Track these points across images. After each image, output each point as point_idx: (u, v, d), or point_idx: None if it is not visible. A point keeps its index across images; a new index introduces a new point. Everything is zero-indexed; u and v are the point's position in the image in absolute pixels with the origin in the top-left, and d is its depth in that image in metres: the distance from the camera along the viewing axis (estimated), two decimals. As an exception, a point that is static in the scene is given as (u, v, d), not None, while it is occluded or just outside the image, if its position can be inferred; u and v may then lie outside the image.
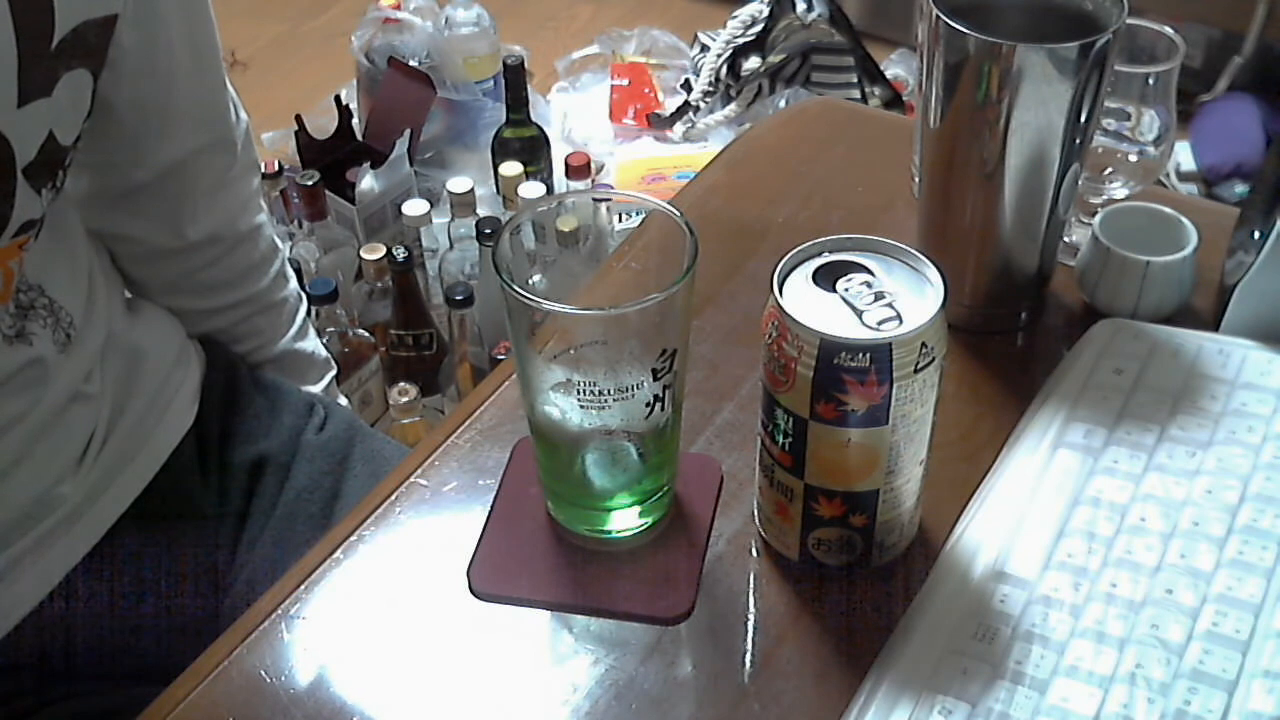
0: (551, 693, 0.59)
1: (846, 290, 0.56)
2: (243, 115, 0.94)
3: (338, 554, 0.66)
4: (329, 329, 1.55)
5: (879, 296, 0.56)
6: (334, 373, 1.06)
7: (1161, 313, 0.75)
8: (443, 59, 2.05)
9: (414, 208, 1.75)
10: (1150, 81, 0.75)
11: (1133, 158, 0.78)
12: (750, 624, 0.62)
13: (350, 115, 2.01)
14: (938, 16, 0.66)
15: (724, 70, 2.13)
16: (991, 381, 0.74)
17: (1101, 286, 0.75)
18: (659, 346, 0.57)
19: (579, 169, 1.83)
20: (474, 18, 2.12)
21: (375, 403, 1.63)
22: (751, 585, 0.64)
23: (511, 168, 1.78)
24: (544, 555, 0.65)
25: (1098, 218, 0.76)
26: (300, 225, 1.76)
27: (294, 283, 1.03)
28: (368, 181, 1.82)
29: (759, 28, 2.10)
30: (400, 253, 1.59)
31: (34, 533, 0.79)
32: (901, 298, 0.56)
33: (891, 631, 0.60)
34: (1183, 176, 2.05)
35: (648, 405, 0.58)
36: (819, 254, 0.58)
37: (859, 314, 0.55)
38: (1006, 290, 0.76)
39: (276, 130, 2.14)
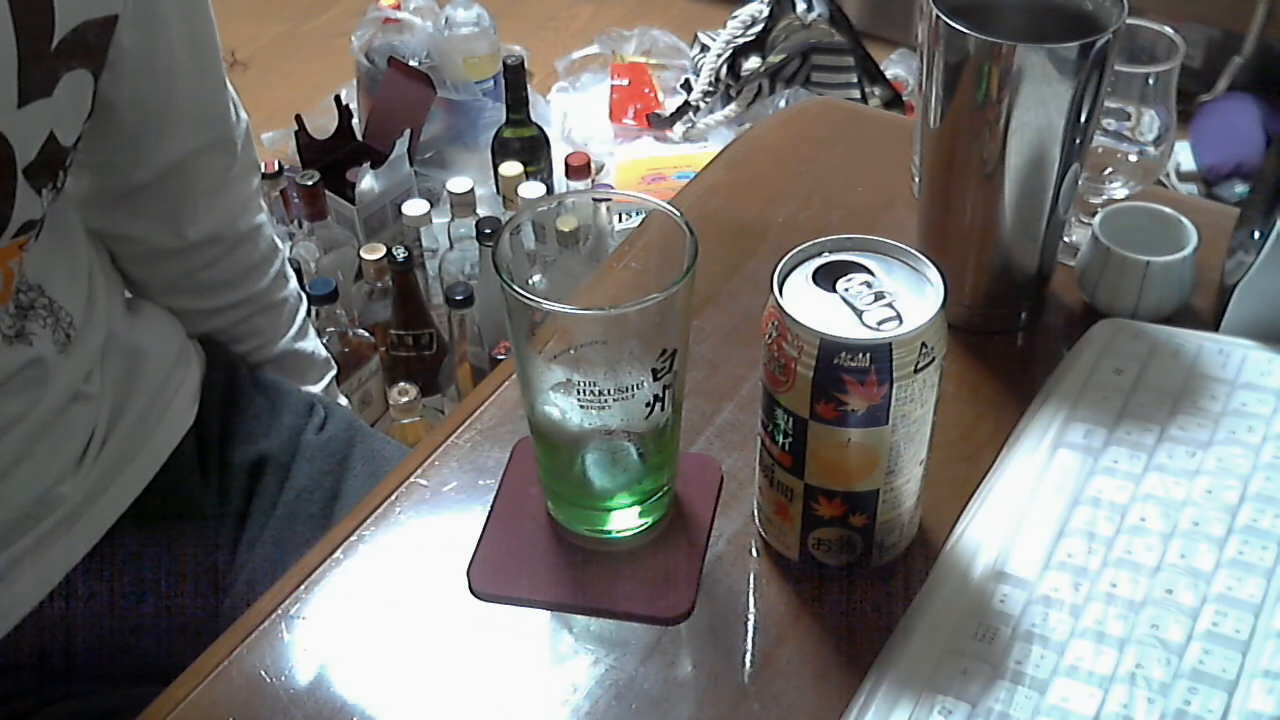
0: (551, 693, 0.59)
1: (846, 290, 0.56)
2: (243, 115, 0.94)
3: (338, 554, 0.66)
4: (329, 329, 1.55)
5: (879, 296, 0.56)
6: (334, 373, 1.06)
7: (1161, 313, 0.75)
8: (443, 59, 2.05)
9: (414, 208, 1.75)
10: (1150, 81, 0.75)
11: (1133, 158, 0.78)
12: (750, 624, 0.62)
13: (350, 115, 2.01)
14: (938, 16, 0.66)
15: (724, 70, 2.13)
16: (991, 381, 0.74)
17: (1101, 286, 0.75)
18: (659, 346, 0.57)
19: (579, 169, 1.83)
20: (474, 18, 2.12)
21: (375, 403, 1.63)
22: (751, 585, 0.64)
23: (511, 168, 1.78)
24: (544, 555, 0.65)
25: (1098, 218, 0.76)
26: (300, 225, 1.76)
27: (294, 283, 1.03)
28: (368, 181, 1.82)
29: (759, 28, 2.10)
30: (400, 253, 1.59)
31: (34, 533, 0.79)
32: (901, 298, 0.56)
33: (891, 631, 0.60)
34: (1183, 176, 2.05)
35: (648, 405, 0.58)
36: (819, 254, 0.58)
37: (859, 314, 0.55)
38: (1006, 290, 0.76)
39: (276, 130, 2.14)
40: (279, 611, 0.63)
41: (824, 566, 0.63)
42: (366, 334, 1.61)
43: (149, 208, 0.90)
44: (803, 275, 0.58)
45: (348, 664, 0.61)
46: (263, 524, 0.89)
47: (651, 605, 0.62)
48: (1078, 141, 0.69)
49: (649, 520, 0.64)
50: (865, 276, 0.57)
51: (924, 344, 0.55)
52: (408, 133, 1.88)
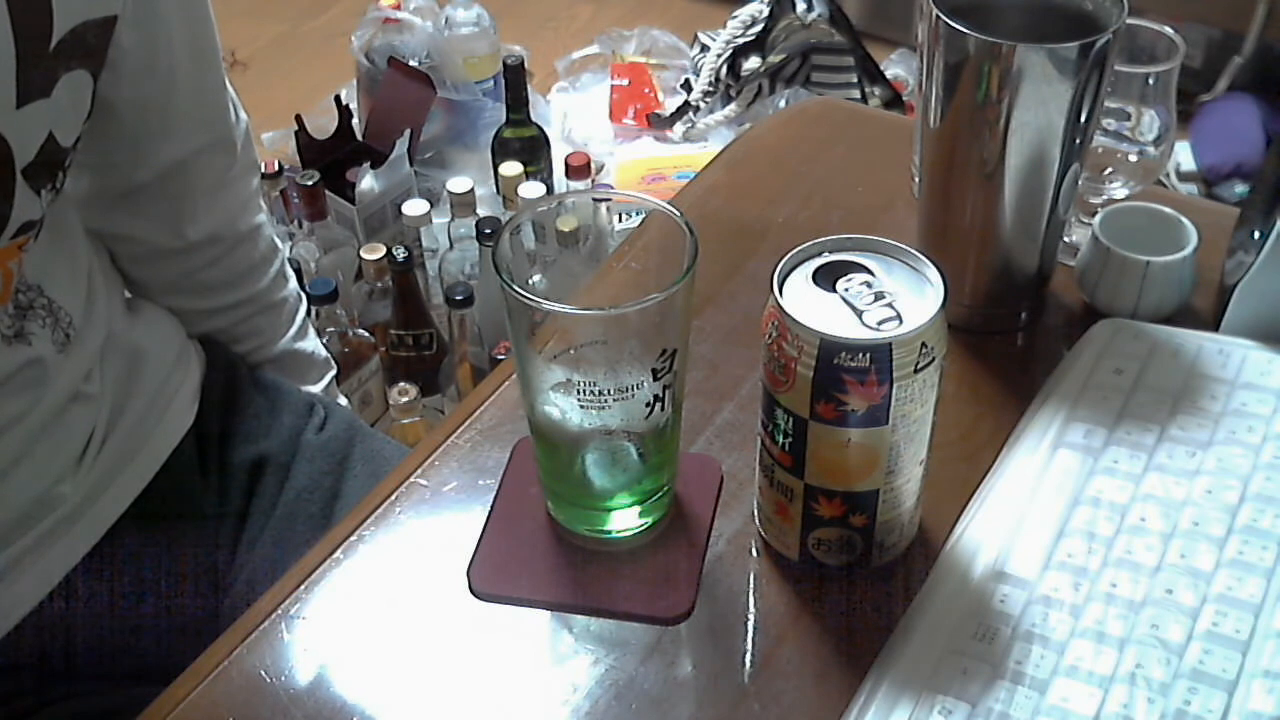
0: (551, 693, 0.59)
1: (846, 290, 0.56)
2: (242, 115, 0.94)
3: (338, 554, 0.66)
4: (329, 329, 1.55)
5: (879, 296, 0.56)
6: (334, 373, 1.06)
7: (1161, 313, 0.75)
8: (443, 59, 2.05)
9: (414, 208, 1.75)
10: (1150, 81, 0.75)
11: (1133, 158, 0.78)
12: (750, 624, 0.62)
13: (350, 115, 2.01)
14: (938, 16, 0.66)
15: (724, 70, 2.13)
16: (991, 381, 0.74)
17: (1101, 286, 0.75)
18: (659, 346, 0.57)
19: (579, 169, 1.83)
20: (474, 18, 2.12)
21: (375, 403, 1.63)
22: (751, 585, 0.64)
23: (511, 168, 1.78)
24: (544, 555, 0.65)
25: (1098, 218, 0.76)
26: (300, 225, 1.76)
27: (294, 283, 1.03)
28: (368, 181, 1.82)
29: (759, 28, 2.10)
30: (400, 253, 1.59)
31: (34, 532, 0.79)
32: (901, 298, 0.56)
33: (891, 631, 0.60)
34: (1183, 176, 2.05)
35: (648, 405, 0.58)
36: (819, 254, 0.58)
37: (859, 314, 0.55)
38: (1006, 290, 0.76)
39: (276, 130, 2.14)
40: (279, 611, 0.63)
41: (824, 566, 0.63)
42: (366, 334, 1.61)
43: (149, 208, 0.90)
44: (803, 275, 0.58)
45: (348, 664, 0.61)
46: (263, 524, 0.89)
47: (651, 605, 0.62)
48: (1078, 141, 0.69)
49: (649, 520, 0.64)
50: (865, 276, 0.57)
51: (924, 344, 0.55)
52: (408, 133, 1.88)
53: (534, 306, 0.55)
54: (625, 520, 0.64)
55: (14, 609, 0.79)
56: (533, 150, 1.93)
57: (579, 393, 0.58)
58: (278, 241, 1.01)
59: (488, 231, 1.63)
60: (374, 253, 1.63)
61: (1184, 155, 2.06)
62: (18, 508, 0.79)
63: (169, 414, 0.88)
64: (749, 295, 0.79)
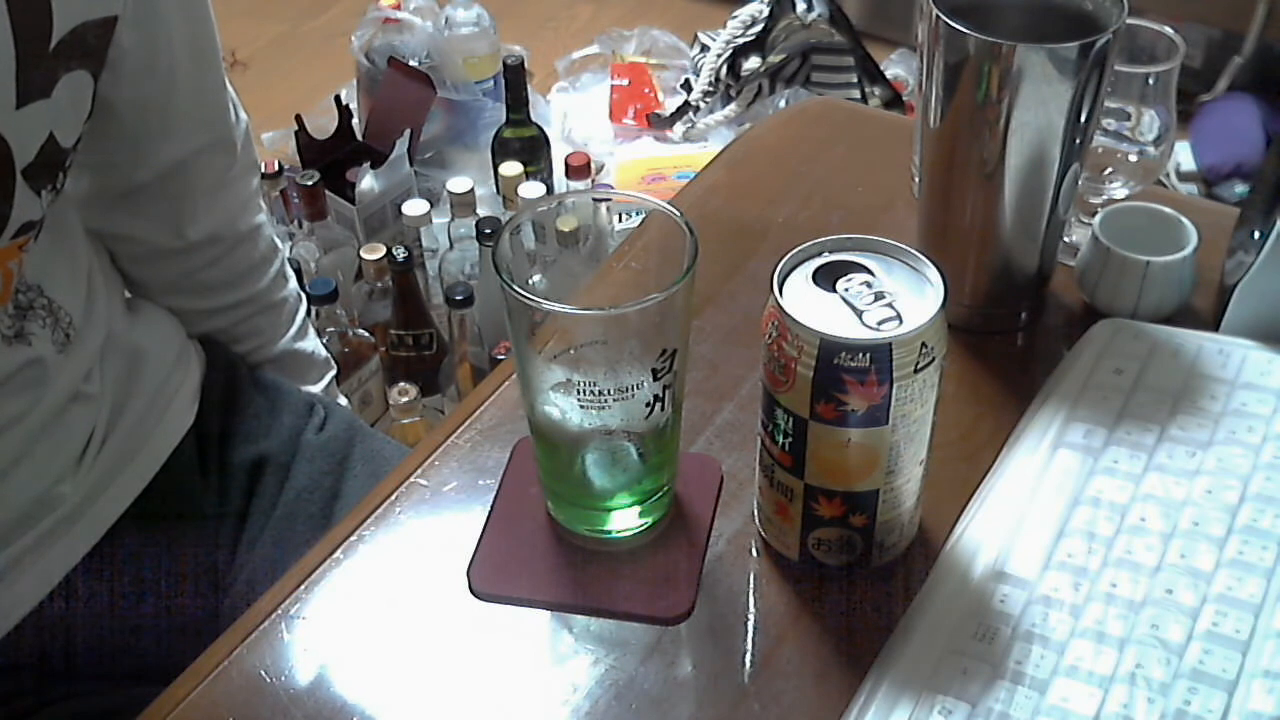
0: (551, 693, 0.59)
1: (846, 290, 0.56)
2: (242, 115, 0.94)
3: (338, 554, 0.66)
4: (329, 329, 1.55)
5: (879, 296, 0.56)
6: (334, 373, 1.06)
7: (1161, 313, 0.75)
8: (443, 59, 2.05)
9: (414, 208, 1.75)
10: (1150, 81, 0.75)
11: (1133, 158, 0.78)
12: (750, 624, 0.62)
13: (350, 115, 2.01)
14: (938, 16, 0.66)
15: (724, 70, 2.13)
16: (991, 381, 0.74)
17: (1101, 286, 0.75)
18: (659, 346, 0.57)
19: (579, 169, 1.83)
20: (474, 18, 2.12)
21: (375, 403, 1.63)
22: (751, 585, 0.64)
23: (511, 168, 1.78)
24: (544, 555, 0.65)
25: (1098, 218, 0.76)
26: (300, 225, 1.76)
27: (294, 283, 1.03)
28: (368, 181, 1.82)
29: (759, 28, 2.10)
30: (400, 253, 1.59)
31: (34, 532, 0.79)
32: (901, 298, 0.56)
33: (891, 631, 0.60)
34: (1183, 176, 2.05)
35: (648, 405, 0.58)
36: (819, 254, 0.58)
37: (859, 314, 0.55)
38: (1006, 290, 0.76)
39: (276, 130, 2.14)
40: (279, 611, 0.63)
41: (824, 566, 0.63)
42: (366, 334, 1.61)
43: (149, 208, 0.90)
44: (803, 275, 0.58)
45: (348, 664, 0.61)
46: (263, 524, 0.89)
47: (651, 605, 0.62)
48: (1078, 141, 0.69)
49: (649, 520, 0.64)
50: (865, 276, 0.57)
51: (924, 344, 0.55)
52: (408, 133, 1.88)
53: (534, 306, 0.55)
54: (625, 520, 0.64)
55: (14, 609, 0.79)
56: (533, 150, 1.93)
57: (579, 393, 0.58)
58: (278, 241, 1.01)
59: (488, 231, 1.63)
60: (374, 253, 1.63)
61: (1184, 155, 2.06)
62: (18, 508, 0.79)
63: (169, 414, 0.88)
64: (749, 295, 0.79)
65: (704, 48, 2.21)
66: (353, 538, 0.67)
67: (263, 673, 0.61)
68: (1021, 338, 0.77)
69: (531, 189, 1.73)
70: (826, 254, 0.58)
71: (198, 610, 0.86)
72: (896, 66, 2.21)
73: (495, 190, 1.92)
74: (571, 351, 0.57)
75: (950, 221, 0.74)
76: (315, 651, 0.62)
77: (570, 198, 0.68)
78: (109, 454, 0.84)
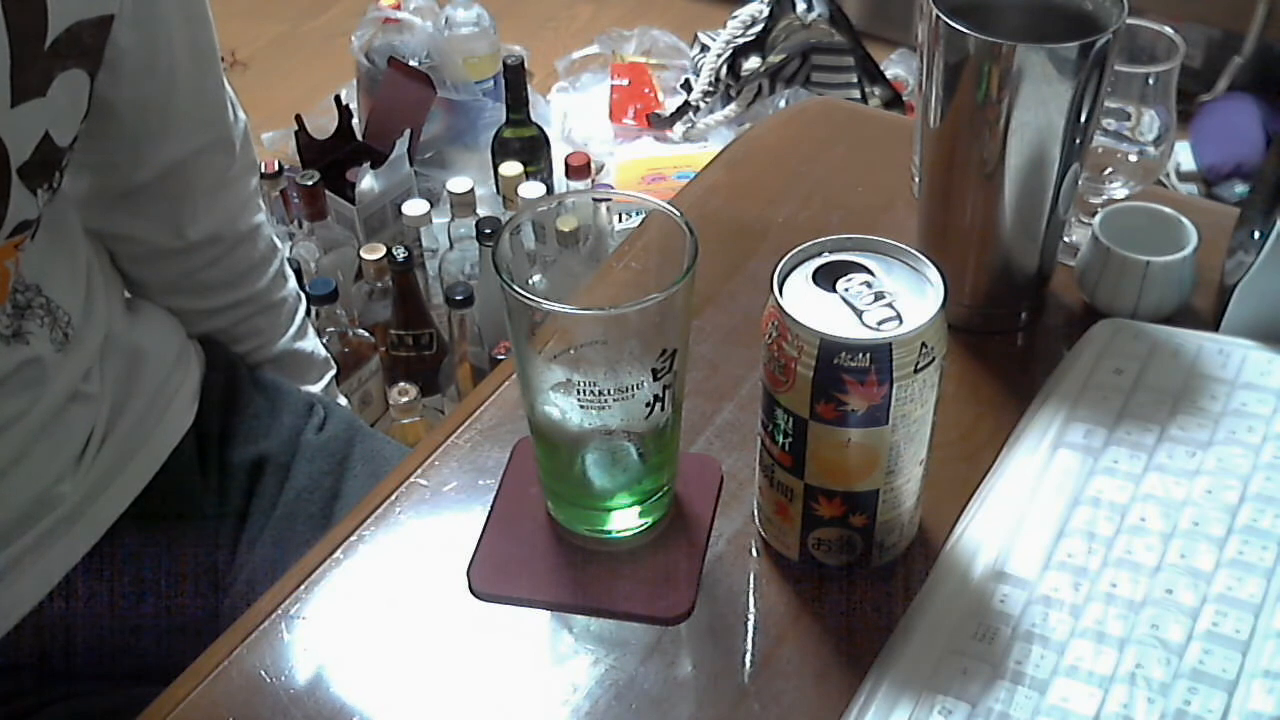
0: (551, 693, 0.59)
1: (846, 290, 0.56)
2: (241, 115, 0.94)
3: (338, 554, 0.66)
4: (329, 329, 1.55)
5: (879, 296, 0.56)
6: (334, 373, 1.06)
7: (1161, 313, 0.75)
8: (443, 59, 2.05)
9: (414, 208, 1.75)
10: (1150, 81, 0.75)
11: (1133, 158, 0.78)
12: (750, 624, 0.62)
13: (350, 115, 2.01)
14: (938, 16, 0.66)
15: (724, 70, 2.13)
16: (991, 381, 0.74)
17: (1101, 286, 0.75)
18: (659, 346, 0.57)
19: (579, 169, 1.83)
20: (474, 18, 2.12)
21: (375, 403, 1.63)
22: (751, 585, 0.64)
23: (511, 168, 1.78)
24: (544, 555, 0.65)
25: (1098, 218, 0.76)
26: (300, 225, 1.76)
27: (293, 282, 1.03)
28: (368, 181, 1.82)
29: (759, 28, 2.10)
30: (400, 253, 1.59)
31: (33, 532, 0.79)
32: (901, 298, 0.56)
33: (891, 631, 0.60)
34: (1183, 176, 2.05)
35: (648, 405, 0.58)
36: (819, 254, 0.58)
37: (859, 314, 0.55)
38: (1006, 290, 0.76)
39: (276, 130, 2.14)
40: (279, 611, 0.63)
41: (824, 566, 0.63)
42: (366, 334, 1.61)
43: (148, 208, 0.90)
44: (803, 275, 0.58)
45: (348, 664, 0.61)
46: (263, 524, 0.89)
47: (651, 605, 0.62)
48: (1078, 141, 0.69)
49: (649, 520, 0.64)
50: (865, 276, 0.57)
51: (924, 344, 0.55)
52: (408, 133, 1.88)
53: (534, 306, 0.55)
54: (625, 520, 0.64)
55: (14, 609, 0.79)
56: (533, 150, 1.93)
57: (579, 393, 0.57)
58: (277, 241, 1.01)
59: (488, 231, 1.63)
60: (374, 253, 1.63)
61: (1184, 155, 2.06)
62: (17, 507, 0.79)
63: (169, 414, 0.88)
64: (749, 295, 0.79)
65: (704, 48, 2.21)
66: (353, 538, 0.67)
67: (263, 673, 0.61)
68: (1021, 338, 0.77)
69: (531, 189, 1.73)
70: (826, 254, 0.58)
71: (198, 610, 0.86)
72: (896, 66, 2.21)
73: (495, 190, 1.92)
74: (571, 351, 0.57)
75: (950, 221, 0.74)
76: (315, 651, 0.62)
77: (570, 198, 0.68)
78: (109, 454, 0.84)
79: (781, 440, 0.59)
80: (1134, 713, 0.55)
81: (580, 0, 2.68)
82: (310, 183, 1.71)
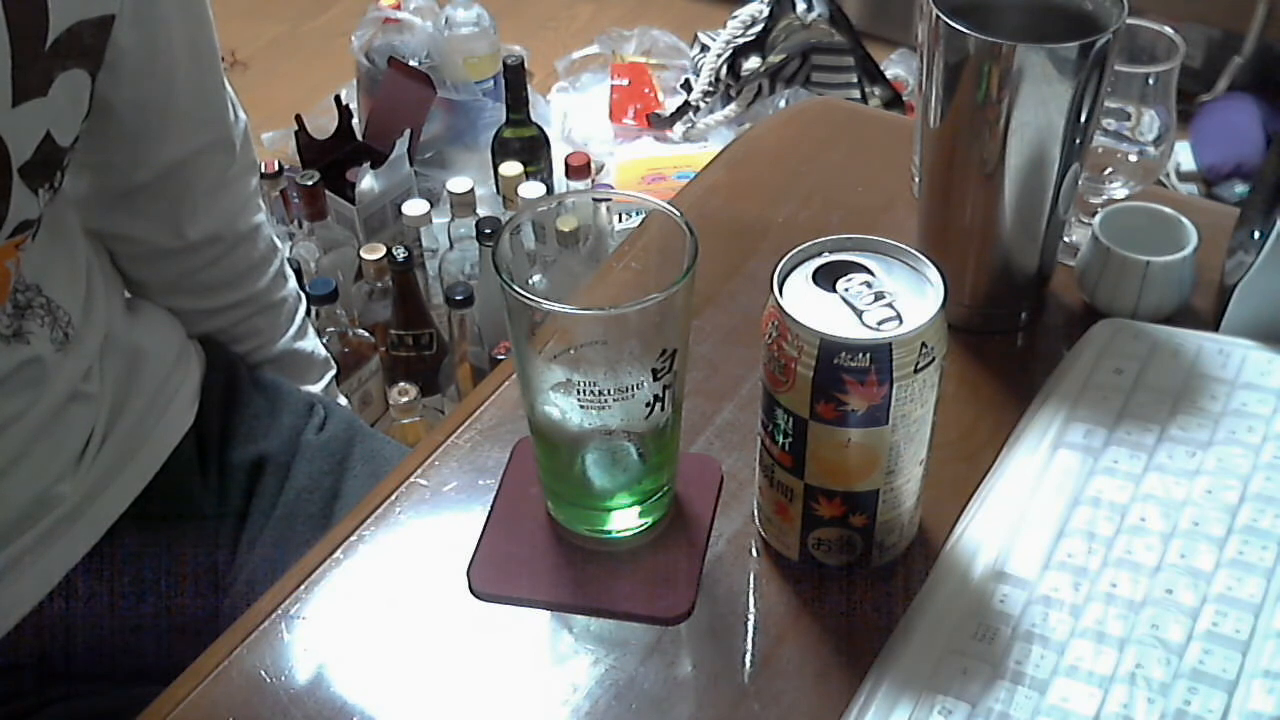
0: (551, 693, 0.59)
1: (846, 290, 0.56)
2: (241, 115, 0.94)
3: (338, 554, 0.66)
4: (329, 329, 1.55)
5: (879, 296, 0.56)
6: (334, 373, 1.06)
7: (1161, 313, 0.75)
8: (443, 59, 2.05)
9: (414, 208, 1.75)
10: (1150, 81, 0.75)
11: (1133, 158, 0.78)
12: (750, 624, 0.62)
13: (350, 115, 2.01)
14: (938, 16, 0.66)
15: (724, 70, 2.13)
16: (991, 381, 0.74)
17: (1101, 286, 0.75)
18: (659, 346, 0.57)
19: (579, 169, 1.83)
20: (474, 18, 2.12)
21: (375, 403, 1.63)
22: (751, 585, 0.64)
23: (511, 168, 1.78)
24: (544, 555, 0.65)
25: (1098, 218, 0.76)
26: (300, 225, 1.76)
27: (293, 282, 1.03)
28: (368, 181, 1.82)
29: (759, 28, 2.10)
30: (400, 253, 1.59)
31: (33, 532, 0.79)
32: (901, 298, 0.56)
33: (891, 631, 0.60)
34: (1183, 176, 2.05)
35: (648, 405, 0.58)
36: (819, 254, 0.58)
37: (859, 314, 0.55)
38: (1006, 290, 0.76)
39: (276, 130, 2.14)
40: (279, 611, 0.63)
41: (824, 566, 0.63)
42: (366, 334, 1.61)
43: (148, 208, 0.90)
44: (803, 275, 0.58)
45: (348, 664, 0.61)
46: (263, 524, 0.89)
47: (651, 605, 0.62)
48: (1078, 141, 0.69)
49: (649, 520, 0.64)
50: (865, 276, 0.57)
51: (924, 344, 0.55)
52: (408, 133, 1.88)
53: (534, 306, 0.55)
54: (625, 520, 0.64)
55: (14, 609, 0.79)
56: (533, 150, 1.93)
57: (579, 393, 0.58)
58: (277, 241, 1.01)
59: (488, 231, 1.63)
60: (374, 253, 1.63)
61: (1184, 155, 2.06)
62: (17, 507, 0.79)
63: (169, 414, 0.88)
64: (749, 295, 0.79)
65: (704, 48, 2.21)
66: (353, 538, 0.67)
67: (263, 673, 0.61)
68: (1021, 338, 0.77)
69: (531, 189, 1.73)
70: (826, 254, 0.58)
71: (198, 610, 0.86)
72: (896, 66, 2.21)
73: (495, 190, 1.92)
74: (571, 351, 0.57)
75: (950, 221, 0.74)
76: (315, 651, 0.62)
77: (570, 198, 0.68)
78: (108, 454, 0.84)
79: (781, 440, 0.59)
80: (1134, 713, 0.55)
81: (580, 0, 2.68)
82: (310, 183, 1.71)
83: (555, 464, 0.63)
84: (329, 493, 0.89)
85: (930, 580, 0.62)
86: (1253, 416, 0.68)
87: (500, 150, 1.94)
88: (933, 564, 0.63)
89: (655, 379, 0.57)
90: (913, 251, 0.58)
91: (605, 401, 0.58)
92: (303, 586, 0.64)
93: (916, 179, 0.79)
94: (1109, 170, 0.79)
